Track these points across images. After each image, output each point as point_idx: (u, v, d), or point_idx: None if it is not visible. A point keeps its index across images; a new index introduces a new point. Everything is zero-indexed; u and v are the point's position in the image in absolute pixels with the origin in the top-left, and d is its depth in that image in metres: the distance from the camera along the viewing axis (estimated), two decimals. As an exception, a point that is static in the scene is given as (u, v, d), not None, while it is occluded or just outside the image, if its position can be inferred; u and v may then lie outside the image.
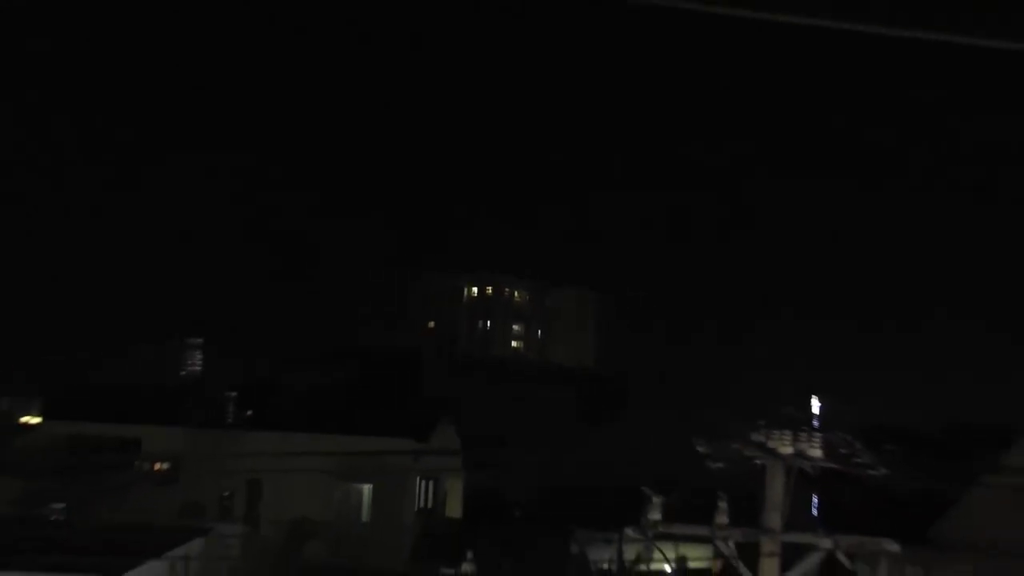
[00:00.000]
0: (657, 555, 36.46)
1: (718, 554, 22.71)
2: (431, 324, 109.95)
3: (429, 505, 49.49)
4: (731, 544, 20.15)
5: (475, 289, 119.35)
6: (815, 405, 24.69)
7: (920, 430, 46.42)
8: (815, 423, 21.28)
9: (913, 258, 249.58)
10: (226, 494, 43.12)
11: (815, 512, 23.45)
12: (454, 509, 51.11)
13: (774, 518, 19.44)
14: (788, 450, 19.89)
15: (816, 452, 20.33)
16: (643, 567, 38.69)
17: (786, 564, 19.70)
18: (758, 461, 20.20)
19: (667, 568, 39.21)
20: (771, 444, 20.25)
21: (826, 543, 19.54)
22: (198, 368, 50.75)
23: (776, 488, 19.50)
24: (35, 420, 54.81)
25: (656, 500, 35.05)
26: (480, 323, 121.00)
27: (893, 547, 21.82)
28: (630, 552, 39.24)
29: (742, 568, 19.76)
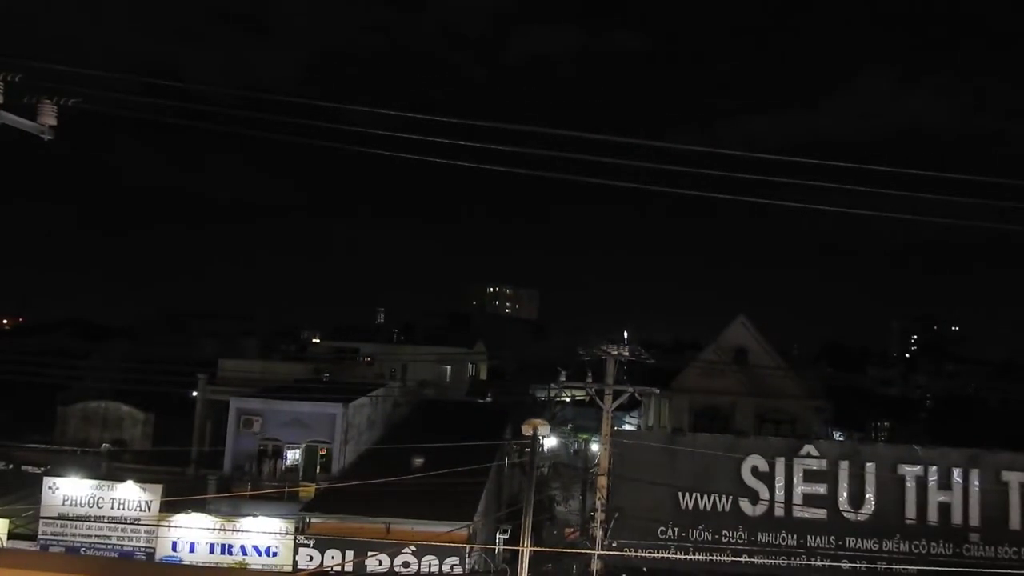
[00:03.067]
0: (563, 394, 32.90)
1: (587, 393, 21.00)
2: (474, 303, 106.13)
3: (474, 374, 47.24)
4: (592, 389, 19.34)
5: (491, 289, 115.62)
6: (625, 334, 23.19)
7: (664, 343, 45.00)
8: (625, 340, 19.73)
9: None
10: (393, 370, 41.38)
11: (626, 376, 21.76)
12: (484, 375, 48.82)
13: (609, 379, 18.70)
14: (615, 352, 18.80)
15: (626, 352, 18.97)
16: (557, 398, 34.44)
17: (614, 399, 18.85)
18: (603, 357, 18.98)
19: (567, 399, 35.44)
20: (608, 349, 18.84)
21: (630, 389, 19.03)
22: (382, 319, 48.44)
23: (611, 368, 18.78)
24: (317, 340, 52.54)
25: (563, 372, 34.17)
26: (495, 301, 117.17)
27: (656, 390, 24.19)
28: (552, 392, 36.50)
29: (597, 399, 18.89)
